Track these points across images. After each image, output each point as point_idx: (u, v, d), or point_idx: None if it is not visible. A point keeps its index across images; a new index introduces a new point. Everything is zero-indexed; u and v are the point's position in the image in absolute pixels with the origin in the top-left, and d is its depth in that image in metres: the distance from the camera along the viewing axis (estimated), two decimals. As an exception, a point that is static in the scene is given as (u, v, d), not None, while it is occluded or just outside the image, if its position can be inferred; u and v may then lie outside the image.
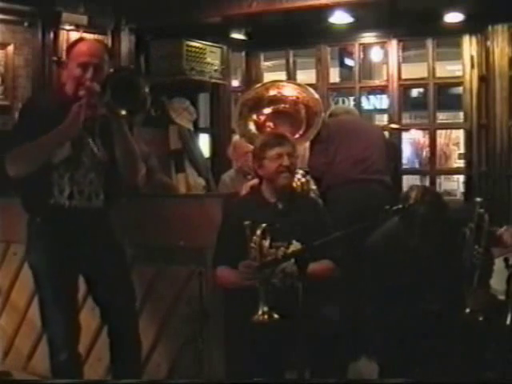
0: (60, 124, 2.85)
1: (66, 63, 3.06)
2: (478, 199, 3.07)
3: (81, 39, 3.13)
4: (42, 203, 3.00)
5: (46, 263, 3.00)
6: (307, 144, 4.51)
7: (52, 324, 3.03)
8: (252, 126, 4.09)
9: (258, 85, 4.50)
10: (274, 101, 4.12)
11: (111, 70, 2.90)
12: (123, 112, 2.82)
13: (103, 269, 3.05)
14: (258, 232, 3.04)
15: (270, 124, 4.03)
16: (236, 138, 4.43)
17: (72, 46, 3.10)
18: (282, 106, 4.12)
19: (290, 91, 4.17)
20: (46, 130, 2.86)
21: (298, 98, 4.11)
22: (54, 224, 3.00)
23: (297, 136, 3.85)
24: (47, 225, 3.02)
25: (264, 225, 3.02)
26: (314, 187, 3.85)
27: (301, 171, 3.33)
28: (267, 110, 4.10)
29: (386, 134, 6.32)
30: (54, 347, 3.05)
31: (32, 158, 2.92)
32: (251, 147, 3.67)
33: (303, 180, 3.64)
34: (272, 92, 4.15)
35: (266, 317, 2.84)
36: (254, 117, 4.10)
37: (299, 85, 4.61)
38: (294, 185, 3.18)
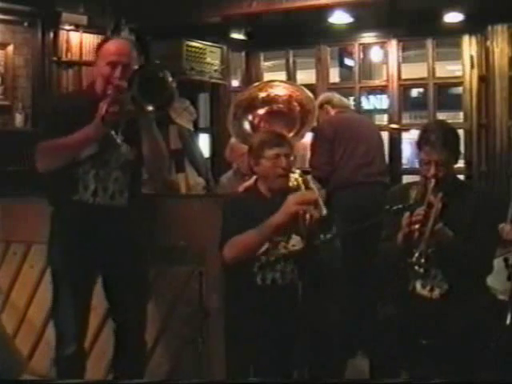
0: (89, 121, 2.85)
1: (95, 61, 3.07)
2: None
3: (109, 38, 3.15)
4: (66, 199, 3.02)
5: (67, 257, 3.02)
6: (307, 144, 4.51)
7: (64, 317, 3.03)
8: (247, 127, 4.10)
9: (251, 86, 4.50)
10: (267, 101, 4.12)
11: (137, 66, 2.88)
12: (149, 107, 2.79)
13: (121, 267, 3.05)
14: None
15: (265, 124, 4.03)
16: (232, 139, 4.44)
17: (101, 44, 3.12)
18: (276, 105, 4.12)
19: (282, 91, 4.18)
20: (75, 127, 2.87)
21: (291, 96, 4.11)
22: (76, 220, 3.02)
23: (291, 134, 3.86)
24: (70, 220, 3.04)
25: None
26: (313, 186, 3.85)
27: (298, 171, 3.33)
28: (261, 111, 4.11)
29: (386, 133, 6.35)
30: (62, 341, 3.05)
31: (59, 156, 2.95)
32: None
33: (300, 179, 3.64)
34: (265, 92, 4.15)
35: None
36: (249, 117, 4.10)
37: (292, 84, 4.62)
38: (290, 184, 3.17)
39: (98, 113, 2.82)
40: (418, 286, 3.08)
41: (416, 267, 2.89)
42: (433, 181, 2.99)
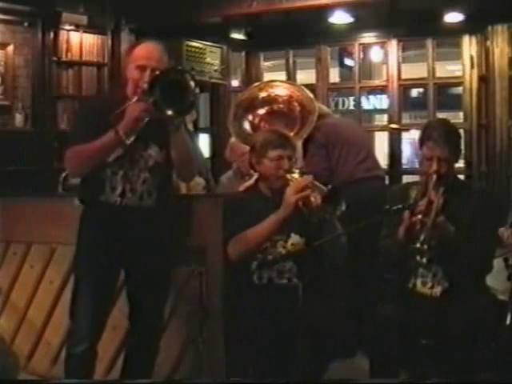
0: (118, 124, 2.86)
1: (125, 65, 3.08)
2: None
3: (140, 42, 3.15)
4: (93, 199, 3.03)
5: (92, 256, 3.02)
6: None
7: (81, 314, 3.02)
8: (247, 126, 4.11)
9: (252, 86, 4.51)
10: (268, 101, 4.13)
11: (158, 71, 2.86)
12: (169, 112, 2.79)
13: (145, 268, 3.05)
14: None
15: (265, 124, 4.04)
16: (233, 139, 4.45)
17: (131, 48, 3.13)
18: (276, 105, 4.13)
19: (283, 91, 4.19)
20: (104, 129, 2.86)
21: (291, 97, 4.12)
22: (103, 220, 3.02)
23: (291, 135, 3.86)
24: (97, 220, 3.04)
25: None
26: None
27: (297, 170, 3.34)
28: (262, 111, 4.11)
29: (386, 133, 6.36)
30: (74, 338, 3.05)
31: (86, 161, 2.97)
32: (248, 148, 3.67)
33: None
34: (266, 92, 4.16)
35: None
36: (249, 117, 4.10)
37: (293, 84, 4.63)
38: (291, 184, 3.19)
39: (126, 117, 2.83)
40: (419, 283, 3.09)
41: (418, 257, 2.90)
42: (434, 177, 3.00)
